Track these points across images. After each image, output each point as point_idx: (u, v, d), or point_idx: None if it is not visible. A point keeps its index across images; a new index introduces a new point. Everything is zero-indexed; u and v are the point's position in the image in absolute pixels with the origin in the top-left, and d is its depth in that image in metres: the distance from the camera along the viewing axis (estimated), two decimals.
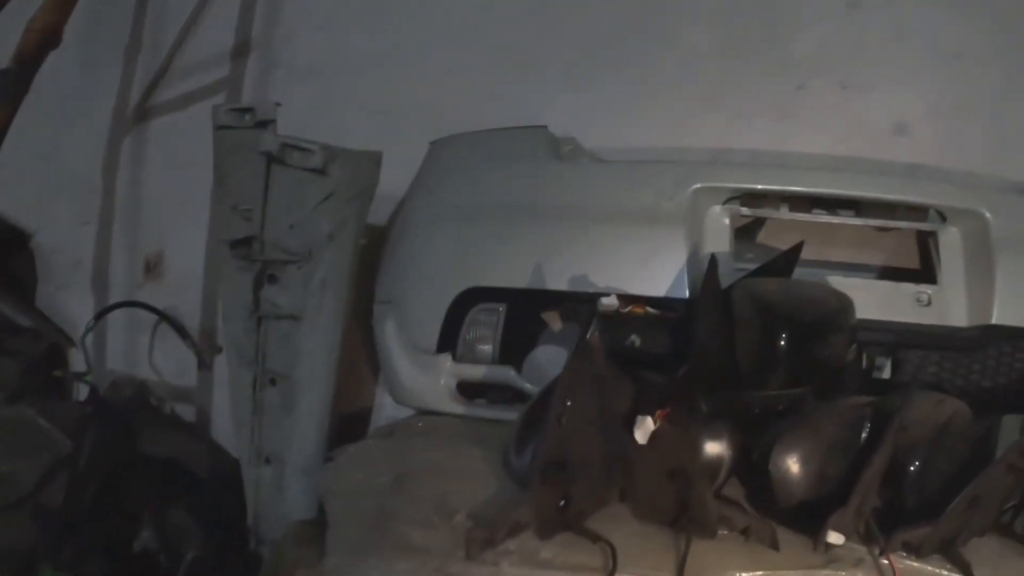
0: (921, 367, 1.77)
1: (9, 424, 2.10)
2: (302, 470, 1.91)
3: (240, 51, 2.61)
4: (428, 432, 1.65)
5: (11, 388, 2.21)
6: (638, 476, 1.25)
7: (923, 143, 2.31)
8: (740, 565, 1.19)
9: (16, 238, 2.69)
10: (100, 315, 2.47)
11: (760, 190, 1.82)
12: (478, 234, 1.82)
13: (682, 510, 1.21)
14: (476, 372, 1.79)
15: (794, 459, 1.27)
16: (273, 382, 1.92)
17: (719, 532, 1.21)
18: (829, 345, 1.44)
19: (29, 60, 1.95)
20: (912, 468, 1.31)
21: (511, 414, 1.72)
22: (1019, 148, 2.30)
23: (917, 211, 1.86)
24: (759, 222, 1.99)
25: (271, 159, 1.70)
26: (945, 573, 1.22)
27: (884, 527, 1.22)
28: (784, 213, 1.89)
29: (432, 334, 1.82)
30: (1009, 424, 1.46)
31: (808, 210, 1.88)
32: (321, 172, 1.68)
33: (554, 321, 1.46)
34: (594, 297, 1.68)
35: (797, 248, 1.67)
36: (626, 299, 1.64)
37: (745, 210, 1.86)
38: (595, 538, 1.19)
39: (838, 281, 1.76)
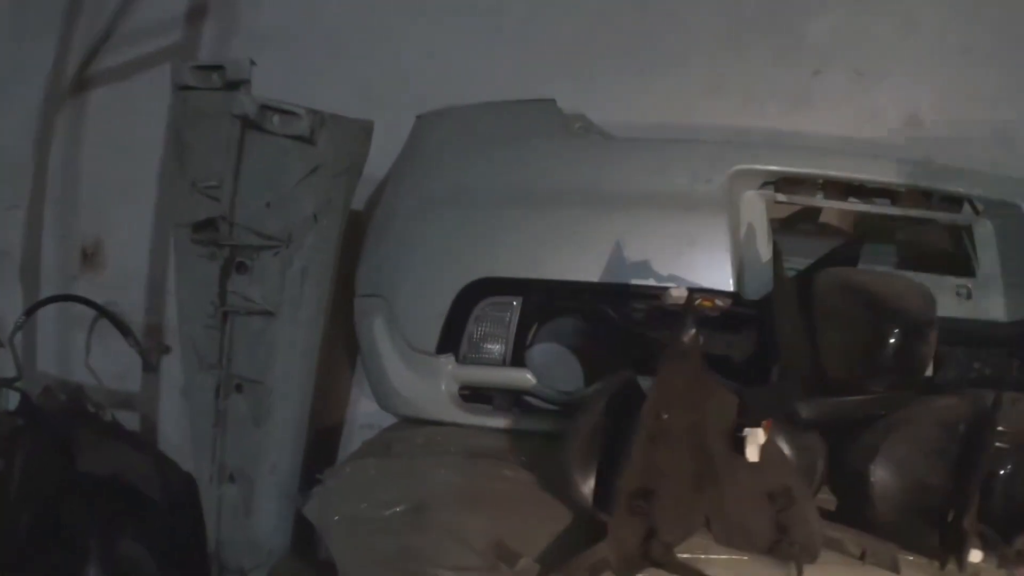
0: (966, 364, 1.63)
1: None
2: (275, 490, 1.65)
3: (196, 14, 2.34)
4: (435, 447, 1.40)
5: None
6: (730, 498, 1.06)
7: (934, 134, 2.22)
8: None
9: None
10: (31, 311, 2.18)
11: (803, 174, 1.64)
12: (487, 219, 1.59)
13: (780, 534, 1.05)
14: (484, 375, 1.56)
15: (895, 468, 1.13)
16: (239, 388, 1.66)
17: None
18: (929, 341, 1.25)
19: None
20: (1003, 472, 1.17)
21: (530, 424, 1.51)
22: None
23: (953, 202, 1.74)
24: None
25: (246, 124, 1.43)
26: None
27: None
28: (820, 200, 1.72)
29: (431, 332, 1.58)
30: None
31: (844, 198, 1.72)
32: (307, 141, 1.43)
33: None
34: (622, 289, 1.47)
35: (859, 240, 1.53)
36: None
37: (781, 196, 1.68)
38: (689, 573, 0.98)
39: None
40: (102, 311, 2.24)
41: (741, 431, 1.01)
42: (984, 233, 1.73)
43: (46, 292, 2.35)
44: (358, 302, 1.72)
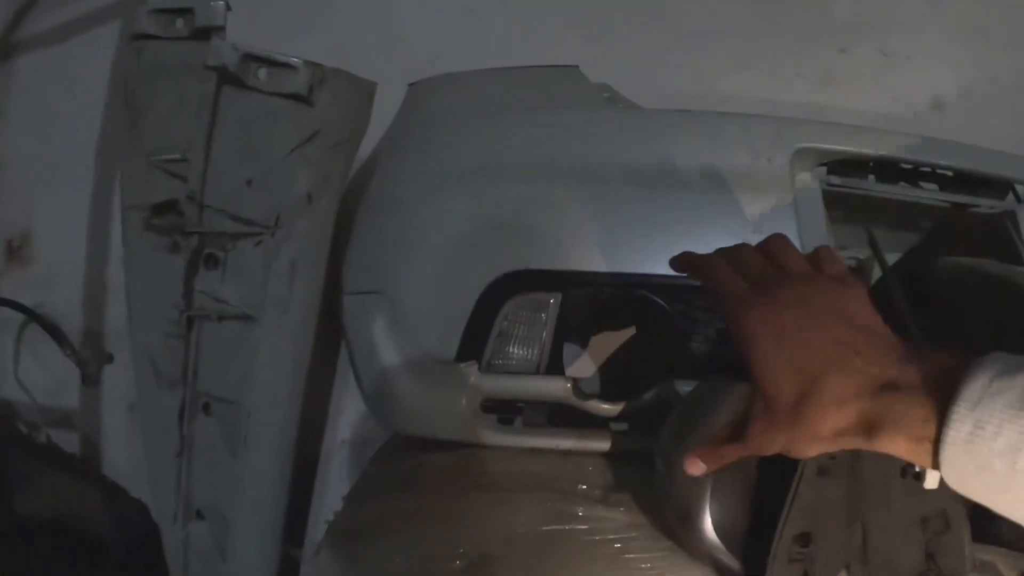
0: None
1: None
2: (256, 530, 1.36)
3: None
4: (467, 476, 1.13)
5: None
6: (877, 527, 0.86)
7: (956, 116, 2.12)
8: None
9: None
10: None
11: (865, 155, 1.44)
12: (516, 201, 1.32)
13: (929, 563, 0.87)
14: (516, 386, 1.30)
15: None
16: (207, 409, 1.36)
17: None
18: None
19: None
20: None
21: (576, 442, 1.26)
22: None
23: (1000, 189, 1.57)
24: None
25: (224, 79, 1.14)
26: None
27: None
28: (872, 185, 1.54)
29: (450, 336, 1.31)
30: None
31: (895, 182, 1.55)
32: (304, 100, 1.14)
33: None
34: (680, 281, 1.23)
35: (945, 229, 1.37)
36: None
37: (835, 179, 1.48)
38: None
39: None
40: (31, 315, 1.94)
41: None
42: None
43: None
44: (349, 300, 1.44)
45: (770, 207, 1.31)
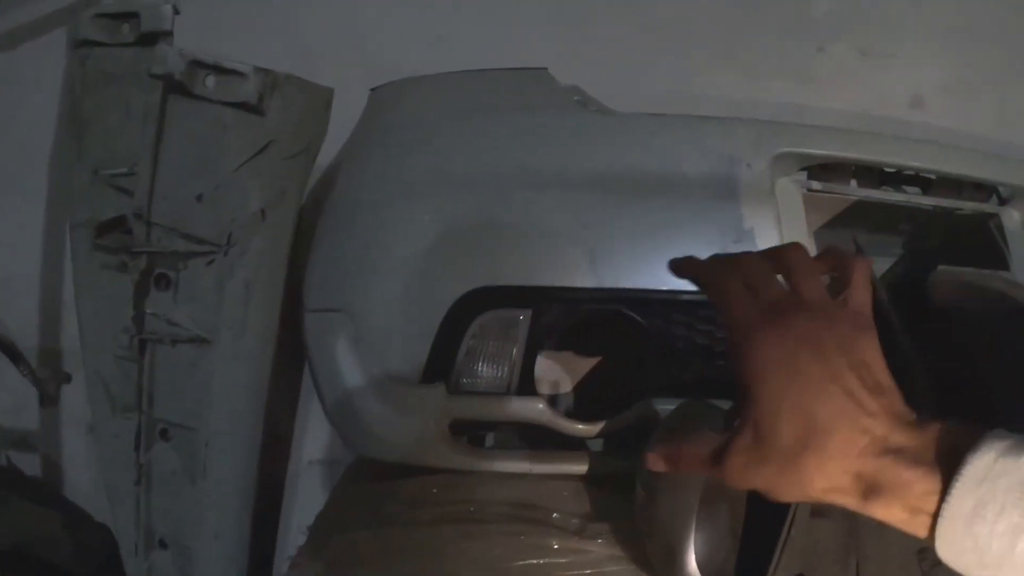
0: None
1: None
2: (220, 559, 1.29)
3: None
4: (437, 506, 1.07)
5: None
6: (874, 563, 0.82)
7: (937, 115, 2.13)
8: None
9: None
10: None
11: (848, 159, 1.41)
12: (483, 213, 1.26)
13: None
14: (485, 408, 1.24)
15: None
16: (165, 435, 1.29)
17: None
18: None
19: None
20: None
21: (548, 466, 1.20)
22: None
23: (983, 191, 1.56)
24: None
25: (170, 88, 1.07)
26: None
27: None
28: (854, 189, 1.50)
29: (416, 355, 1.25)
30: None
31: (877, 186, 1.51)
32: (254, 110, 1.07)
33: None
34: (665, 295, 1.18)
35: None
36: None
37: (816, 184, 1.44)
38: None
39: None
40: None
41: None
42: (1012, 224, 1.53)
43: None
44: (310, 318, 1.37)
45: (750, 214, 1.26)
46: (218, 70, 1.05)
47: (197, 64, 1.06)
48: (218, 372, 1.21)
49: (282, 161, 1.14)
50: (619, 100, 1.59)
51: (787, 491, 0.61)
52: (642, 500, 0.94)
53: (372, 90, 1.49)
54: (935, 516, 0.54)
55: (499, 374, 1.25)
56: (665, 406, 1.18)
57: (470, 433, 1.33)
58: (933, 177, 1.51)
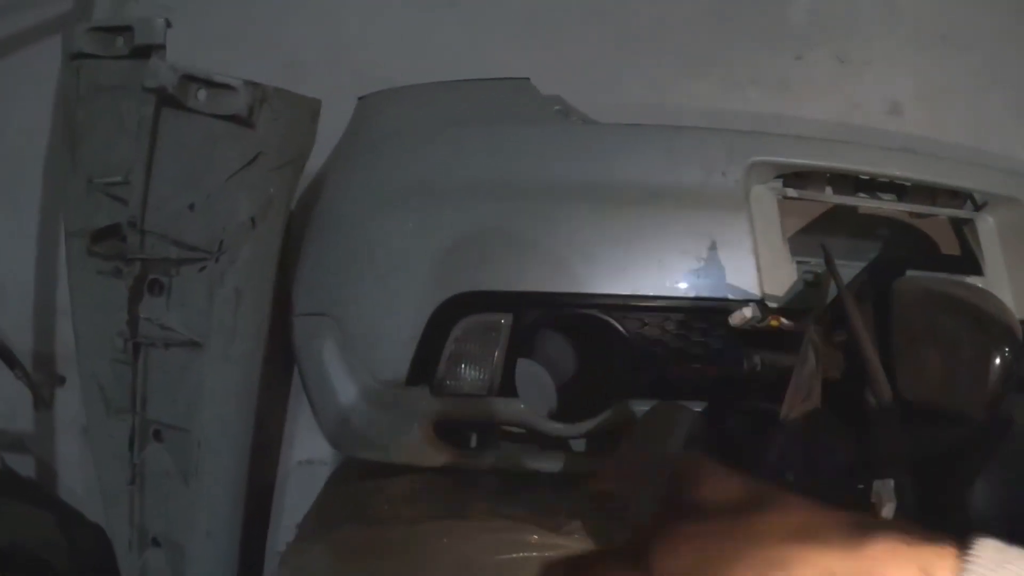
0: None
1: None
2: (212, 558, 1.33)
3: None
4: (420, 504, 1.11)
5: None
6: None
7: (914, 124, 2.13)
8: None
9: None
10: None
11: (822, 167, 1.45)
12: (466, 219, 1.30)
13: None
14: (467, 409, 1.28)
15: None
16: (158, 436, 1.33)
17: None
18: None
19: None
20: None
21: (530, 463, 1.25)
22: (997, 134, 2.17)
23: (958, 198, 1.60)
24: None
25: (163, 100, 1.11)
26: None
27: None
28: (829, 196, 1.55)
29: (399, 360, 1.29)
30: None
31: (853, 193, 1.56)
32: (244, 122, 1.11)
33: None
34: (642, 300, 1.22)
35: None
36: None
37: (791, 192, 1.48)
38: None
39: None
40: None
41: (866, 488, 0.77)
42: (986, 229, 1.59)
43: None
44: (299, 322, 1.42)
45: (725, 221, 1.30)
46: (209, 84, 1.09)
47: (189, 78, 1.10)
48: (210, 375, 1.25)
49: (271, 171, 1.18)
50: (600, 108, 1.65)
51: None
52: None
53: (360, 99, 1.54)
54: None
55: (482, 376, 1.29)
56: (641, 407, 1.23)
57: (454, 428, 1.37)
58: (908, 184, 1.55)
